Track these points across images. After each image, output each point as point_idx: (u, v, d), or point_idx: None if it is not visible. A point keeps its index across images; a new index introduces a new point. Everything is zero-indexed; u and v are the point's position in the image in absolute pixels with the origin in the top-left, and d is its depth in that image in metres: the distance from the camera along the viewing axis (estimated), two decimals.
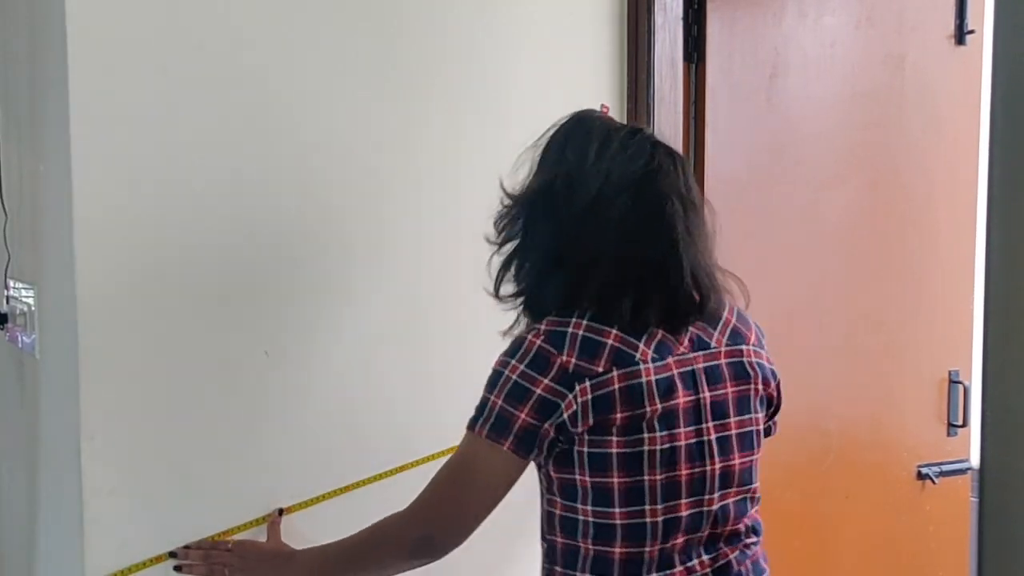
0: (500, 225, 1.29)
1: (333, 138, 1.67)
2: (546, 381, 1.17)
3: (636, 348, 1.19)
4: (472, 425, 1.22)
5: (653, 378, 1.18)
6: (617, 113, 1.97)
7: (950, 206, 2.25)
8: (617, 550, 1.20)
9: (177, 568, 1.42)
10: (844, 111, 2.17)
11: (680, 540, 1.21)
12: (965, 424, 2.29)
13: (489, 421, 1.20)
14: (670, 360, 1.21)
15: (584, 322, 1.20)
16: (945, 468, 2.29)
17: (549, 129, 1.30)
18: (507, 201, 1.29)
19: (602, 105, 1.32)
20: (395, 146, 1.74)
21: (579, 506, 1.21)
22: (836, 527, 2.22)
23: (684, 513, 1.21)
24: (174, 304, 1.54)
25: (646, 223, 1.21)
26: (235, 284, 1.60)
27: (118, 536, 1.49)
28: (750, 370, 1.28)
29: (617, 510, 1.19)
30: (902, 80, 2.20)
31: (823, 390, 2.20)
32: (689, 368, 1.22)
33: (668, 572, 1.21)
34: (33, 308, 1.76)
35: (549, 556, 1.28)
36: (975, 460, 2.32)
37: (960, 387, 2.28)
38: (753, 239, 2.11)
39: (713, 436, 1.22)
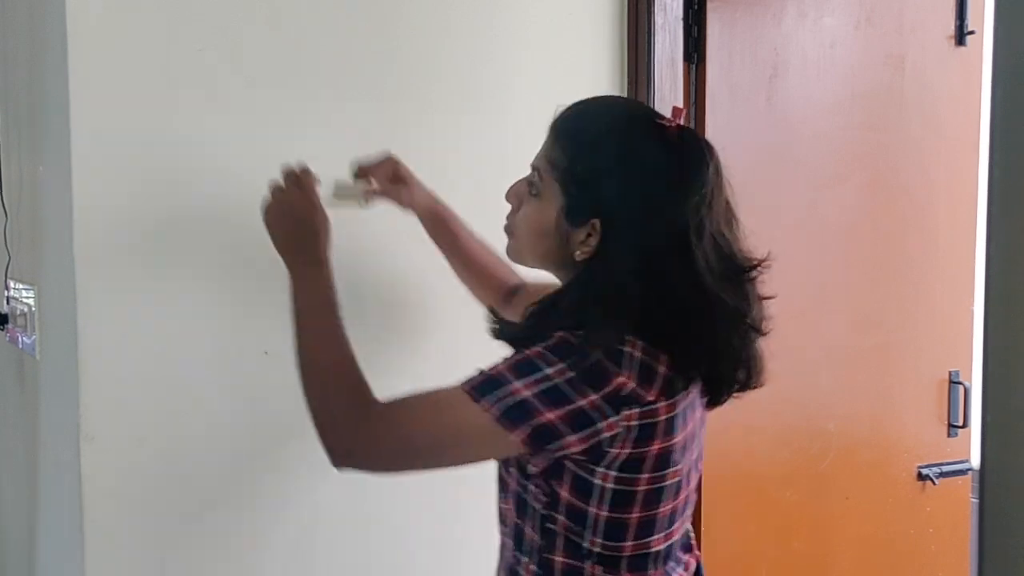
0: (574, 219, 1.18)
1: (332, 138, 1.67)
2: (596, 397, 1.08)
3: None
4: (477, 396, 1.09)
5: (678, 410, 1.15)
6: None
7: (950, 206, 2.25)
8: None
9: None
10: (844, 111, 2.17)
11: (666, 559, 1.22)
12: (965, 425, 2.29)
13: (506, 403, 1.08)
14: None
15: (639, 342, 1.12)
16: (945, 469, 2.29)
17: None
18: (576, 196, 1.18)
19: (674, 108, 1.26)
20: (394, 147, 1.73)
21: (587, 534, 1.16)
22: (836, 528, 2.22)
23: (675, 539, 1.22)
24: (173, 304, 1.54)
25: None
26: (235, 284, 1.60)
27: (118, 536, 1.49)
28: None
29: (629, 543, 1.17)
30: (902, 81, 2.20)
31: (823, 390, 2.20)
32: (689, 396, 1.19)
33: None
34: (33, 308, 1.76)
35: (544, 569, 1.19)
36: (975, 461, 2.32)
37: (960, 387, 2.28)
38: (752, 239, 2.11)
39: (692, 460, 1.22)
